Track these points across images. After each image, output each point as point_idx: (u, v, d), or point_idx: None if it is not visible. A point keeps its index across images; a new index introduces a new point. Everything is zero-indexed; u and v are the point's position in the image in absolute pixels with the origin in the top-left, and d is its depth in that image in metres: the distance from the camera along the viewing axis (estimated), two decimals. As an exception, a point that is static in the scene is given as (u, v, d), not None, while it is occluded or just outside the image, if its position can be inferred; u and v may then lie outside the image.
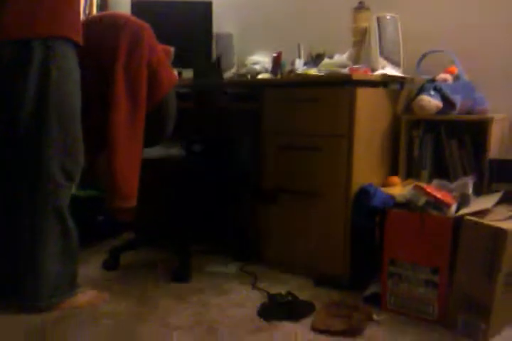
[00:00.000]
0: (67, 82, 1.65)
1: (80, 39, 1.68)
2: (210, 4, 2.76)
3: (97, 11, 3.30)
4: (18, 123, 1.63)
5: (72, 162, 1.71)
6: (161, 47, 1.88)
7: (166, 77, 1.82)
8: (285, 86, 2.11)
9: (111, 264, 2.17)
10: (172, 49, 1.97)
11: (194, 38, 2.74)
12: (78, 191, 2.50)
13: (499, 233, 1.45)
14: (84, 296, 1.81)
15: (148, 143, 1.90)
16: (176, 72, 2.17)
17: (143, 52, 1.74)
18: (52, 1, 1.59)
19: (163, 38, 2.75)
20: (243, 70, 2.58)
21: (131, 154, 1.79)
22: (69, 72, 1.65)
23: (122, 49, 1.73)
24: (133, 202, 1.82)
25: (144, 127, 1.79)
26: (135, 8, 2.82)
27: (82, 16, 3.15)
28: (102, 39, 1.78)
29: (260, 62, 2.60)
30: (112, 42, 1.75)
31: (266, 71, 2.51)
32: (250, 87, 2.55)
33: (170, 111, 1.91)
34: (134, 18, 1.83)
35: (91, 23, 1.87)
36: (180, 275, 2.03)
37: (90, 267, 2.19)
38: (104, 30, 1.79)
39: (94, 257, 2.31)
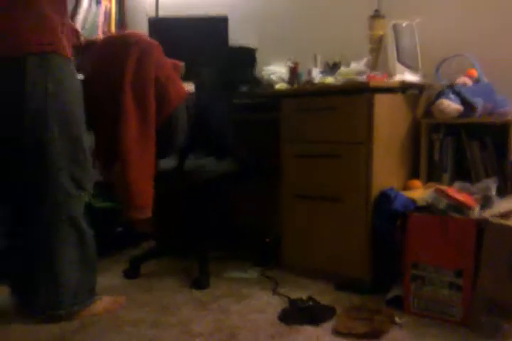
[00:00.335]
0: (65, 92, 1.68)
1: (69, 55, 1.72)
2: (225, 19, 2.81)
3: (116, 28, 3.37)
4: (21, 136, 1.65)
5: (81, 170, 1.73)
6: (170, 62, 1.91)
7: (174, 92, 1.85)
8: (302, 95, 2.12)
9: (131, 273, 2.18)
10: (182, 64, 2.01)
11: (211, 52, 2.78)
12: (97, 202, 2.53)
13: (524, 233, 1.43)
14: (102, 303, 1.82)
15: (159, 155, 1.93)
16: (187, 86, 2.21)
17: (150, 68, 1.77)
18: (40, 19, 1.63)
19: (181, 53, 2.81)
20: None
21: (143, 167, 1.82)
22: (66, 82, 1.68)
23: (130, 67, 1.77)
24: (148, 213, 1.84)
25: (154, 140, 1.82)
26: (152, 25, 2.88)
27: (100, 35, 3.25)
28: (113, 57, 1.83)
29: (277, 72, 2.62)
30: (121, 61, 1.79)
31: (283, 81, 2.52)
32: (268, 98, 2.58)
33: (179, 125, 1.93)
34: (144, 37, 1.87)
35: (105, 43, 1.94)
36: (200, 282, 2.02)
37: (111, 276, 2.19)
38: (115, 49, 1.84)
39: (114, 267, 2.31)
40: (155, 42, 1.84)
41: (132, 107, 1.77)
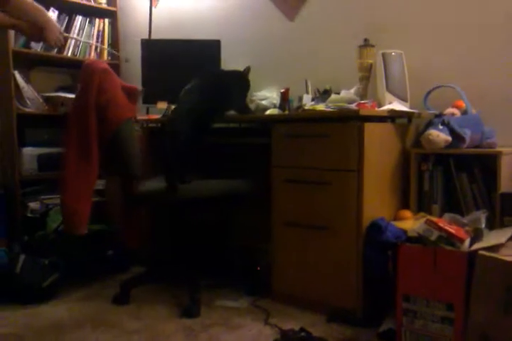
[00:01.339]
0: None
1: None
2: (218, 42, 2.84)
3: (108, 50, 3.39)
4: None
5: None
6: (122, 86, 2.01)
7: (115, 114, 1.95)
8: (293, 121, 2.14)
9: (122, 299, 2.16)
10: (138, 88, 2.11)
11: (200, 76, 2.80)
12: (89, 225, 2.52)
13: (514, 268, 1.44)
14: None
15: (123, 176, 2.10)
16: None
17: (91, 93, 1.91)
18: None
19: (174, 75, 2.84)
20: (251, 106, 2.62)
21: (78, 187, 1.94)
22: None
23: (78, 92, 1.98)
24: (81, 231, 1.98)
25: (95, 160, 1.94)
26: (145, 47, 2.90)
27: (93, 55, 3.26)
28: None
29: (268, 97, 2.65)
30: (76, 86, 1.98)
31: (274, 106, 2.55)
32: (259, 123, 2.60)
33: (126, 145, 2.01)
34: (93, 64, 1.97)
35: None
36: (191, 310, 2.01)
37: (100, 301, 2.18)
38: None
39: (104, 291, 2.30)
40: (100, 69, 1.94)
41: (74, 127, 1.94)
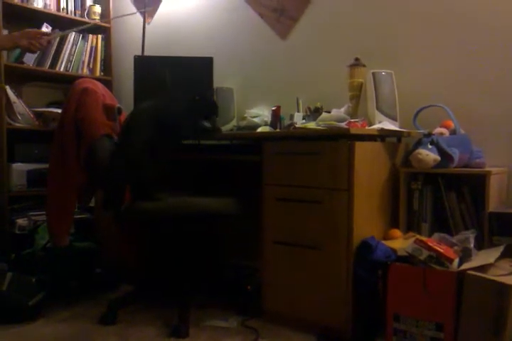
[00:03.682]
0: None
1: None
2: (211, 60, 2.86)
3: (101, 66, 3.40)
4: None
5: None
6: (102, 105, 2.12)
7: (88, 131, 2.07)
8: (284, 139, 2.15)
9: (109, 319, 2.12)
10: (115, 105, 2.17)
11: (196, 92, 2.81)
12: (77, 243, 2.49)
13: (504, 288, 1.45)
14: None
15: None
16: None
17: (70, 110, 2.09)
18: None
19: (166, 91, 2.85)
20: (243, 123, 2.63)
21: (58, 199, 2.12)
22: None
23: (62, 109, 2.16)
24: (62, 242, 2.16)
25: (73, 174, 2.09)
26: (137, 63, 2.91)
27: (86, 71, 3.27)
28: None
29: (260, 115, 2.67)
30: None
31: (265, 124, 2.56)
32: (250, 140, 2.61)
33: (98, 158, 2.09)
34: (79, 84, 2.11)
35: None
36: (179, 331, 1.98)
37: (88, 321, 2.14)
38: None
39: (92, 311, 2.26)
40: (81, 88, 2.08)
41: (56, 141, 2.12)
